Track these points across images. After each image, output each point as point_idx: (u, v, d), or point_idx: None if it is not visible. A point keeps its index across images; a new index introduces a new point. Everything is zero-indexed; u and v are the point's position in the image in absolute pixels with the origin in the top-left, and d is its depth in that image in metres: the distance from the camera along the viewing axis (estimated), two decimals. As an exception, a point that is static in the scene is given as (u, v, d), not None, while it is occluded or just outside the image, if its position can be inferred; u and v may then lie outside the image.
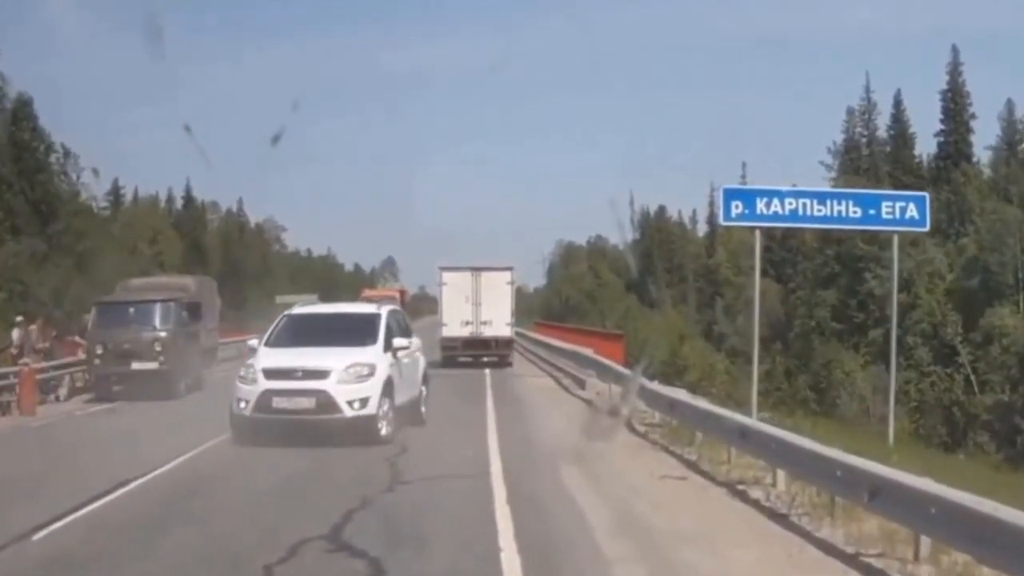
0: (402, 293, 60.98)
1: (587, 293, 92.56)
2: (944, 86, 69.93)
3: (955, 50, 69.79)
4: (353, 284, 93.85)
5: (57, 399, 23.61)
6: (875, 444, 19.47)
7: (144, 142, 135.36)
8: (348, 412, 14.52)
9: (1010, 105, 67.76)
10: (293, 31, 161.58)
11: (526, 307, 78.41)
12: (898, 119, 73.77)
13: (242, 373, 15.12)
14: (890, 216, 18.54)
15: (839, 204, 18.66)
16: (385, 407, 14.95)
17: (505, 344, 33.45)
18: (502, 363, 32.86)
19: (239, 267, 78.33)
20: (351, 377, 14.73)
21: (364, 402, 14.64)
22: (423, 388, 17.56)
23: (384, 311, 16.54)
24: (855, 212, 18.59)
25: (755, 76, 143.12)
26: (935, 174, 67.35)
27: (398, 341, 15.88)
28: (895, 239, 19.90)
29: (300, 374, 14.67)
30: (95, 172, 62.37)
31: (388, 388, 15.08)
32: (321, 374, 14.63)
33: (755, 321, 19.55)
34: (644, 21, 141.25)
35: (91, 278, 44.17)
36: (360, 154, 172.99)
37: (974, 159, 69.57)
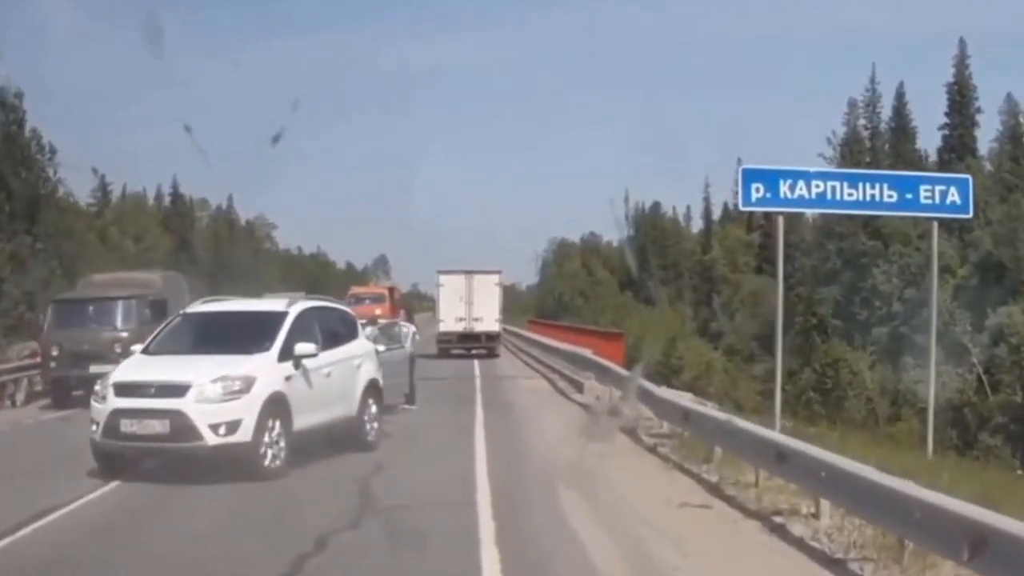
0: (391, 290, 59.65)
1: (580, 291, 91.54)
2: (950, 79, 68.61)
3: (962, 43, 68.58)
4: (345, 282, 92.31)
5: (13, 404, 22.01)
6: (911, 457, 17.56)
7: (133, 139, 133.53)
8: (211, 439, 11.57)
9: (1011, 100, 66.42)
10: (288, 30, 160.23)
11: (519, 305, 77.07)
12: (900, 112, 72.26)
13: (96, 388, 12.51)
14: (929, 201, 16.59)
15: (872, 187, 16.62)
16: (270, 432, 11.95)
17: (494, 337, 38.42)
18: (491, 354, 37.15)
19: (229, 265, 76.65)
20: (217, 394, 11.77)
21: (233, 426, 11.63)
22: (368, 405, 14.18)
23: (295, 310, 13.25)
24: (891, 196, 16.61)
25: (750, 73, 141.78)
26: (938, 168, 65.73)
27: (301, 347, 12.64)
28: (935, 226, 17.96)
29: (153, 390, 11.90)
30: (94, 171, 61.50)
31: (277, 407, 12.10)
32: (178, 390, 11.74)
33: (779, 323, 17.31)
34: (641, 20, 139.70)
35: (73, 278, 42.37)
36: (352, 152, 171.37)
37: (979, 154, 68.18)
